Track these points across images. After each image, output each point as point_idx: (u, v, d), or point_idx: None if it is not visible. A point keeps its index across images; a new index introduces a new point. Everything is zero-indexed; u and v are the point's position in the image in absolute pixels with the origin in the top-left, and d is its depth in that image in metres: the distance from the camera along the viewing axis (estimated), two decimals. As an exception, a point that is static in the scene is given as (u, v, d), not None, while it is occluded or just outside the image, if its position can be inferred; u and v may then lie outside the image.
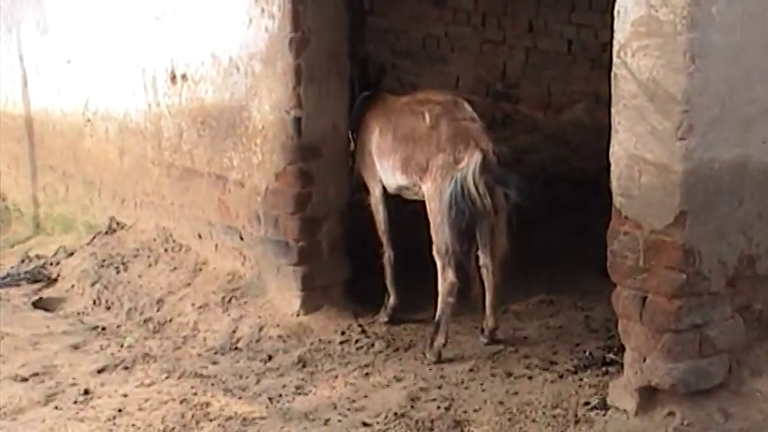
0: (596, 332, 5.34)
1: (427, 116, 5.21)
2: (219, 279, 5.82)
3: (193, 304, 5.71)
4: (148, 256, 6.15)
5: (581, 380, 4.78)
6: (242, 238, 5.80)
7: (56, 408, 4.73)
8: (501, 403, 4.63)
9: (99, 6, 6.52)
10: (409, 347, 5.31)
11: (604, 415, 4.39)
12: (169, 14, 6.05)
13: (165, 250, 6.15)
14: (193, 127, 6.02)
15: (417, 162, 5.20)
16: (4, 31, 7.15)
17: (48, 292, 6.19)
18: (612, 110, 4.27)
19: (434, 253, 5.15)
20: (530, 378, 4.88)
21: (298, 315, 5.52)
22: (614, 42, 4.22)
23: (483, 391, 4.78)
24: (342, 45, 5.57)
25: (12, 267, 6.52)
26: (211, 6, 5.79)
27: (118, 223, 6.50)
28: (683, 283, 4.15)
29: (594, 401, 4.51)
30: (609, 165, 4.32)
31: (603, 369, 4.84)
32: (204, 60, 5.87)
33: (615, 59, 4.21)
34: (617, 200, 4.30)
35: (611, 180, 4.31)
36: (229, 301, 5.67)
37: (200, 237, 6.06)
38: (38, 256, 6.64)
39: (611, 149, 4.30)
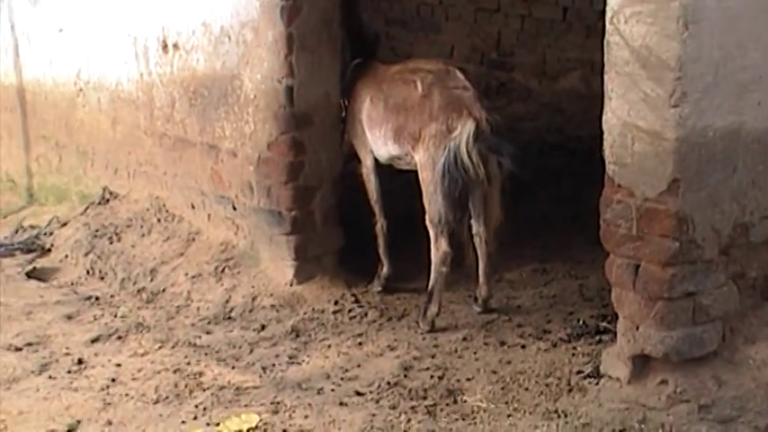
0: (590, 301, 5.34)
1: (419, 85, 5.18)
2: (212, 249, 5.81)
3: (186, 274, 5.69)
4: (141, 226, 6.13)
5: (574, 348, 4.79)
6: (235, 208, 5.79)
7: (50, 377, 4.73)
8: (494, 372, 4.63)
9: (89, -26, 6.47)
10: (402, 317, 5.31)
11: (597, 383, 4.40)
12: (160, -17, 6.01)
13: (159, 220, 6.13)
14: (185, 96, 5.98)
15: (410, 131, 5.17)
16: (-6, 1, 7.10)
17: (41, 262, 6.18)
18: (605, 77, 4.24)
19: (427, 222, 5.13)
20: (523, 347, 4.88)
21: (291, 285, 5.51)
22: (607, 9, 4.19)
23: (476, 359, 4.79)
24: (334, 13, 5.52)
25: (5, 237, 6.51)
26: (202, -26, 5.74)
27: (111, 193, 6.48)
28: (677, 251, 4.14)
29: (588, 370, 4.52)
30: (603, 133, 4.30)
31: (597, 337, 4.85)
32: (195, 29, 5.83)
33: (608, 26, 4.18)
34: (610, 168, 4.28)
35: (604, 148, 4.29)
36: (222, 270, 5.65)
37: (193, 207, 6.04)
38: (31, 227, 6.62)
39: (603, 117, 4.28)
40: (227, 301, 5.47)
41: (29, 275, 6.00)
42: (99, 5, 6.44)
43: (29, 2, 6.87)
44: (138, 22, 6.20)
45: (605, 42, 4.21)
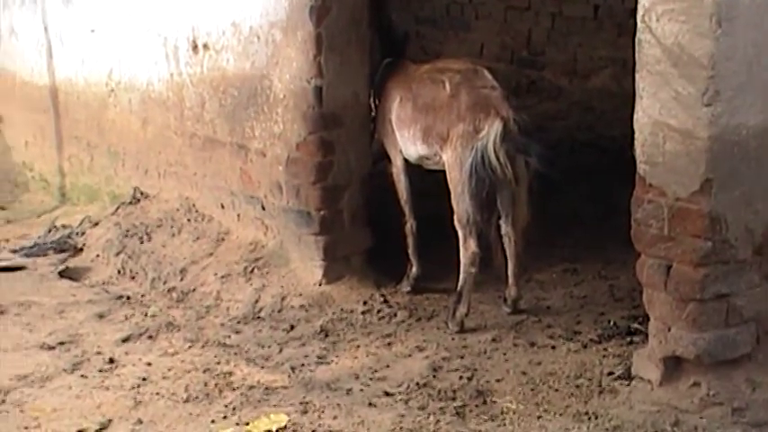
0: (621, 301, 5.30)
1: (447, 85, 5.16)
2: (242, 249, 5.82)
3: (216, 274, 5.71)
4: (172, 226, 6.16)
5: (605, 350, 4.75)
6: (264, 208, 5.80)
7: (82, 376, 4.76)
8: (524, 373, 4.61)
9: (120, -25, 6.51)
10: (431, 317, 5.30)
11: (628, 385, 4.36)
12: (190, -17, 6.03)
13: (188, 220, 6.15)
14: (215, 96, 6.00)
15: (438, 131, 5.15)
16: (29, 2, 7.14)
17: (73, 262, 6.22)
18: (637, 76, 4.20)
19: (456, 222, 5.12)
20: (553, 348, 4.85)
21: (320, 285, 5.51)
22: (639, 7, 4.15)
23: (506, 360, 4.76)
24: (363, 13, 5.51)
25: (38, 237, 6.55)
26: (232, -26, 5.75)
27: (142, 193, 6.51)
28: (709, 252, 4.10)
29: (619, 371, 4.48)
30: (634, 131, 4.26)
31: (628, 339, 4.81)
32: (225, 29, 5.84)
33: (639, 24, 4.14)
34: (641, 167, 4.24)
35: (635, 147, 4.26)
36: (252, 270, 5.66)
37: (222, 206, 6.06)
38: (64, 226, 6.66)
39: (635, 116, 4.24)
40: (257, 301, 5.48)
41: (61, 275, 6.04)
42: (130, 6, 6.48)
43: (62, 3, 6.92)
44: (168, 22, 6.22)
45: (636, 40, 4.18)
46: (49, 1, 6.99)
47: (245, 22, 5.70)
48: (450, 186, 5.09)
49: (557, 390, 4.43)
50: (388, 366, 4.77)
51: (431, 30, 9.65)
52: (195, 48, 6.07)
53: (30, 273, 6.07)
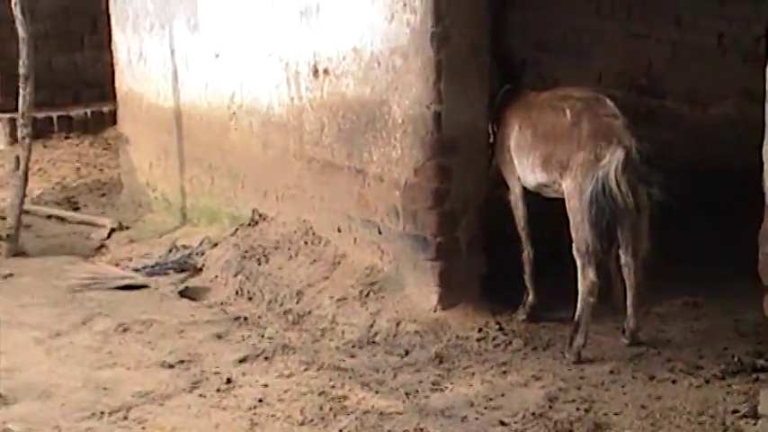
0: (745, 337, 5.15)
1: (568, 112, 5.13)
2: (357, 273, 5.86)
3: (332, 297, 5.76)
4: (289, 249, 6.24)
5: (729, 386, 4.63)
6: (380, 232, 5.83)
7: (200, 395, 4.84)
8: (643, 407, 4.51)
9: (247, 2, 6.65)
10: (548, 347, 5.24)
11: (755, 424, 4.23)
12: (313, 10, 6.12)
13: (305, 243, 6.23)
14: (334, 121, 6.08)
15: (558, 159, 5.12)
16: (157, 28, 7.37)
17: (193, 282, 6.35)
18: (766, 105, 4.10)
19: (574, 251, 5.06)
20: (674, 382, 4.74)
21: (435, 311, 5.51)
22: (769, 35, 4.05)
23: (624, 393, 4.68)
24: (483, 39, 5.53)
25: (160, 257, 6.72)
26: (354, 1, 5.82)
27: (260, 215, 6.61)
28: (840, 289, 3.96)
29: (744, 409, 4.35)
30: (761, 163, 4.14)
31: (753, 376, 4.67)
32: (346, 55, 5.92)
33: (770, 53, 4.05)
34: (769, 200, 4.12)
35: (763, 179, 4.14)
36: (367, 294, 5.69)
37: (339, 230, 6.11)
38: (184, 246, 6.81)
39: (764, 147, 4.12)
40: (372, 326, 5.51)
41: (181, 294, 6.18)
42: (254, 31, 6.62)
43: (189, 30, 7.11)
44: (290, 47, 6.34)
45: (767, 69, 4.07)
46: (177, 28, 7.19)
47: (366, 48, 5.77)
48: (570, 215, 5.04)
49: (678, 426, 4.32)
50: (503, 395, 4.73)
51: (548, 56, 9.57)
52: (316, 72, 6.17)
53: (151, 292, 6.23)
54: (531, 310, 5.53)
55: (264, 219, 6.60)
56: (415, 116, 5.52)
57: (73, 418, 4.61)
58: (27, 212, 7.29)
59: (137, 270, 6.55)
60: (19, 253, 6.89)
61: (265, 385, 4.93)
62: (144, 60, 7.58)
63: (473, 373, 4.97)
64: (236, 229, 6.60)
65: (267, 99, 6.59)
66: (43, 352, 5.35)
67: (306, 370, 5.07)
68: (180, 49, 7.23)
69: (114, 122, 8.67)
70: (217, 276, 6.31)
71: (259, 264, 6.22)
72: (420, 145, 5.52)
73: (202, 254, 6.57)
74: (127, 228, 7.40)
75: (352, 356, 5.24)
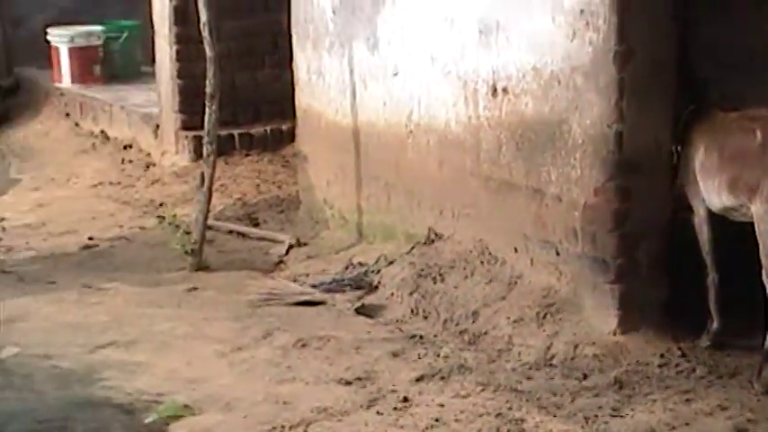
0: None
1: (759, 133, 4.97)
2: (534, 294, 5.80)
3: (508, 318, 5.72)
4: (465, 268, 6.22)
5: None
6: (558, 254, 5.75)
7: (377, 413, 4.88)
8: (839, 444, 4.29)
9: (425, 21, 6.69)
10: (734, 375, 5.05)
11: None
12: (493, 28, 6.10)
13: (481, 262, 6.20)
14: (512, 140, 6.04)
15: (746, 182, 4.95)
16: (337, 47, 7.51)
17: (369, 299, 6.42)
18: None
19: (764, 277, 4.89)
20: None
21: (614, 334, 5.39)
22: None
23: (818, 428, 4.46)
24: (667, 58, 5.40)
25: (336, 274, 6.83)
26: (535, 20, 5.78)
27: (436, 234, 6.63)
28: None
29: None
30: None
31: None
32: (525, 73, 5.88)
33: None
34: None
35: None
36: (544, 316, 5.62)
37: (515, 250, 6.06)
38: (360, 264, 6.89)
39: None
40: (549, 348, 5.43)
41: (358, 311, 6.26)
42: (432, 50, 6.65)
43: (367, 48, 7.22)
44: (468, 66, 6.34)
45: None
46: (356, 46, 7.31)
47: (547, 67, 5.71)
48: (760, 240, 4.86)
49: None
50: (687, 424, 4.59)
51: (732, 75, 9.25)
52: (494, 91, 6.14)
53: (328, 308, 6.33)
54: (715, 337, 5.34)
55: (440, 237, 6.61)
56: (596, 135, 5.43)
57: (255, 431, 4.73)
58: (210, 228, 7.54)
59: (314, 286, 6.68)
60: (202, 267, 7.13)
61: (441, 405, 4.92)
62: (323, 78, 7.73)
63: (655, 400, 4.83)
64: (412, 248, 6.64)
65: (444, 117, 6.61)
66: (226, 365, 5.52)
67: (482, 391, 5.04)
68: (359, 68, 7.34)
69: (293, 140, 8.89)
70: (392, 294, 6.36)
71: (434, 282, 6.23)
72: (600, 165, 5.43)
73: (378, 271, 6.64)
74: (305, 244, 7.54)
75: (529, 378, 5.18)
